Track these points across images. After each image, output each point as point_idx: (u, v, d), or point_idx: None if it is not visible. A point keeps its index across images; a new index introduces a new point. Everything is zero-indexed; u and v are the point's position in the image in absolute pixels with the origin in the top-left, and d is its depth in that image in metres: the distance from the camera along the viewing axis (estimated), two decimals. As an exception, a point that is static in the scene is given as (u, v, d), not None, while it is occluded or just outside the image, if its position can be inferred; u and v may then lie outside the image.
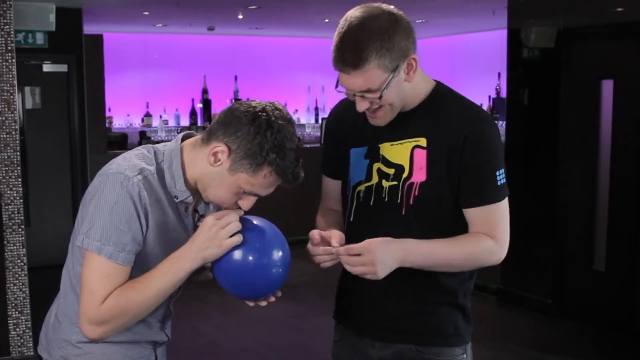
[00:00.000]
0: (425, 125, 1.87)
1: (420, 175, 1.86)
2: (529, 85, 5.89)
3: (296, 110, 10.58)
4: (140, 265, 1.75)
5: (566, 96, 5.58)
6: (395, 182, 1.89)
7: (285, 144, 1.69)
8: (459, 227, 1.88)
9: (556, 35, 5.63)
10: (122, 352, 1.86)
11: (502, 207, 1.88)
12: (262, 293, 1.80)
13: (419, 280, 1.88)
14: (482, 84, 8.95)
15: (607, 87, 5.36)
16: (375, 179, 1.93)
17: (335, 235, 1.82)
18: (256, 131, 1.67)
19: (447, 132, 1.84)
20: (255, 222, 1.79)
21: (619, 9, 5.26)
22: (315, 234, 1.84)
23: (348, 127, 2.01)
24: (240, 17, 7.71)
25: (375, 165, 1.93)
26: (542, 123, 5.71)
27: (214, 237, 1.68)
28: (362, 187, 1.95)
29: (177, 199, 1.80)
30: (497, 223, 1.87)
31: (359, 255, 1.74)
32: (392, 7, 1.80)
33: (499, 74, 8.92)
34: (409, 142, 1.89)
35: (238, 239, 1.69)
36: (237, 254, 1.72)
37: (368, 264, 1.73)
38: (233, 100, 9.93)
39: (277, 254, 1.76)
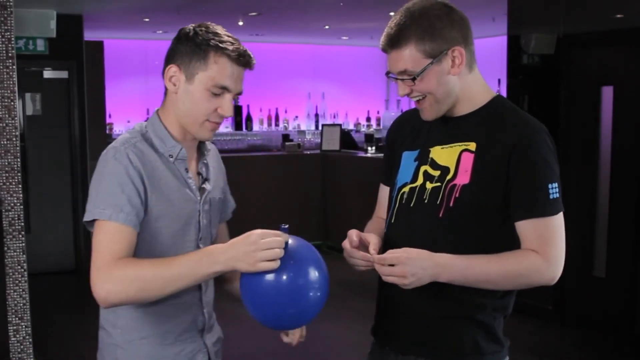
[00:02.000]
0: (477, 131, 1.86)
1: (464, 178, 1.83)
2: (529, 91, 5.90)
3: (296, 117, 10.59)
4: (149, 231, 1.81)
5: (566, 103, 5.59)
6: (438, 184, 1.87)
7: (218, 31, 1.82)
8: (496, 242, 1.83)
9: (556, 41, 5.64)
10: (168, 347, 1.90)
11: (555, 223, 1.81)
12: (287, 324, 1.79)
13: (439, 291, 1.83)
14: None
15: (607, 93, 5.36)
16: (420, 180, 1.91)
17: (373, 242, 1.83)
18: (186, 36, 1.82)
19: (497, 139, 1.82)
20: (304, 252, 1.73)
21: (618, 16, 5.27)
22: (353, 235, 1.85)
23: (405, 133, 2.02)
24: (240, 23, 7.73)
25: (423, 168, 1.92)
26: (542, 129, 5.71)
27: (251, 255, 1.65)
28: (406, 189, 1.93)
29: (172, 158, 1.86)
30: (548, 239, 1.80)
31: (392, 265, 1.74)
32: (449, 2, 1.85)
33: (499, 81, 8.93)
34: (459, 145, 1.87)
35: (275, 265, 1.65)
36: (270, 282, 1.66)
37: (400, 275, 1.73)
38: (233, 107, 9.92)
39: (314, 297, 1.70)
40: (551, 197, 1.80)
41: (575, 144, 5.57)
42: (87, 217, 1.77)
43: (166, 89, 1.88)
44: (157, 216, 1.82)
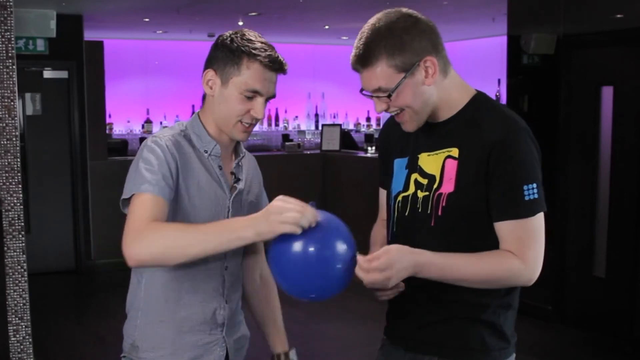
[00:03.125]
0: (458, 135, 1.85)
1: (449, 186, 1.83)
2: (529, 91, 5.90)
3: (296, 117, 10.59)
4: (181, 214, 1.90)
5: (566, 103, 5.59)
6: (427, 193, 1.87)
7: (251, 38, 1.91)
8: (489, 243, 1.82)
9: (556, 42, 5.64)
10: (185, 335, 1.97)
11: (532, 224, 1.79)
12: (313, 295, 1.79)
13: (446, 292, 1.84)
14: (482, 90, 8.96)
15: (607, 93, 5.37)
16: (412, 189, 1.92)
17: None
18: (223, 43, 1.93)
19: (477, 143, 1.81)
20: (327, 221, 1.77)
21: (618, 16, 5.27)
22: (363, 264, 1.77)
23: (395, 139, 2.02)
24: (240, 23, 7.73)
25: (413, 176, 1.92)
26: (542, 130, 5.70)
27: (272, 216, 1.70)
28: (400, 198, 1.94)
29: (207, 153, 1.97)
30: (524, 241, 1.79)
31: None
32: (413, 11, 1.82)
33: (499, 81, 8.94)
34: (443, 152, 1.87)
35: (295, 229, 1.69)
36: (295, 252, 1.71)
37: (384, 280, 1.73)
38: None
39: (339, 270, 1.73)
40: (526, 198, 1.78)
41: (575, 144, 5.57)
42: (125, 195, 1.86)
43: (205, 93, 1.99)
44: (185, 207, 1.91)
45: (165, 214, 1.83)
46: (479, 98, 1.91)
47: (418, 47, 1.77)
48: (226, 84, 1.91)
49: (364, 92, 1.85)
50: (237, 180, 2.04)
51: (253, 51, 1.88)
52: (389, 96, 1.79)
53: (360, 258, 1.75)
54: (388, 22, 1.79)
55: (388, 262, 1.73)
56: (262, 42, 1.91)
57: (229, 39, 1.92)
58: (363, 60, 1.79)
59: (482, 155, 1.79)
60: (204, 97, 2.01)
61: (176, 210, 1.90)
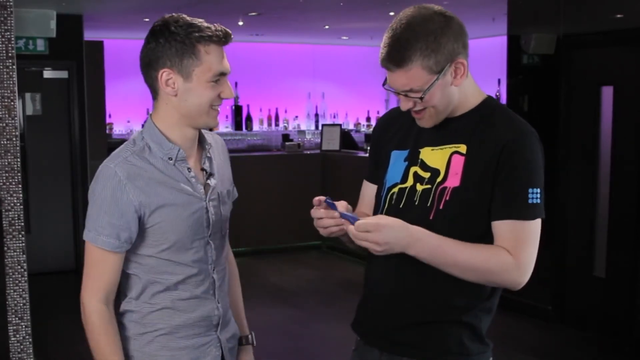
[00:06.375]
0: (467, 133, 1.85)
1: (454, 181, 1.82)
2: (529, 91, 5.90)
3: (296, 117, 10.59)
4: (161, 236, 1.86)
5: (566, 103, 5.59)
6: (428, 186, 1.86)
7: (192, 22, 1.82)
8: (485, 241, 1.82)
9: (556, 41, 5.64)
10: (181, 340, 1.95)
11: (531, 228, 1.79)
12: None
13: (425, 294, 1.85)
14: (482, 90, 8.97)
15: (607, 93, 5.37)
16: (410, 181, 1.90)
17: (342, 204, 1.85)
18: (165, 37, 1.81)
19: (487, 142, 1.81)
20: None
21: (618, 16, 5.27)
22: (316, 199, 1.85)
23: (393, 132, 2.01)
24: (240, 23, 7.73)
25: (413, 169, 1.91)
26: (542, 129, 5.68)
27: None
28: (395, 189, 1.93)
29: (171, 160, 1.87)
30: (521, 242, 1.78)
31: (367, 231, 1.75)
32: (444, 9, 1.80)
33: (499, 80, 8.94)
34: (449, 147, 1.86)
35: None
36: None
37: (373, 241, 1.73)
38: (233, 107, 9.94)
39: None
40: (530, 201, 1.78)
41: (575, 144, 5.57)
42: (84, 235, 1.88)
43: (155, 94, 1.89)
44: (163, 227, 1.85)
45: (114, 266, 1.87)
46: (491, 102, 1.92)
47: (451, 48, 1.76)
48: (189, 78, 1.82)
49: (387, 86, 1.83)
50: (209, 175, 1.97)
51: (203, 34, 1.80)
52: (421, 98, 1.78)
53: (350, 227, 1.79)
54: (423, 22, 1.75)
55: (378, 223, 1.74)
56: (201, 22, 1.84)
57: (167, 32, 1.81)
58: (397, 60, 1.75)
59: (493, 154, 1.79)
60: (154, 99, 1.91)
61: (156, 228, 1.85)
